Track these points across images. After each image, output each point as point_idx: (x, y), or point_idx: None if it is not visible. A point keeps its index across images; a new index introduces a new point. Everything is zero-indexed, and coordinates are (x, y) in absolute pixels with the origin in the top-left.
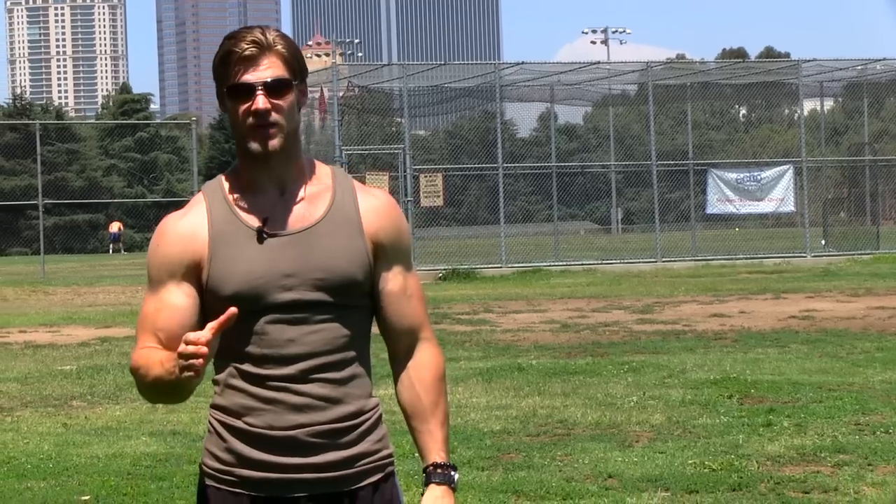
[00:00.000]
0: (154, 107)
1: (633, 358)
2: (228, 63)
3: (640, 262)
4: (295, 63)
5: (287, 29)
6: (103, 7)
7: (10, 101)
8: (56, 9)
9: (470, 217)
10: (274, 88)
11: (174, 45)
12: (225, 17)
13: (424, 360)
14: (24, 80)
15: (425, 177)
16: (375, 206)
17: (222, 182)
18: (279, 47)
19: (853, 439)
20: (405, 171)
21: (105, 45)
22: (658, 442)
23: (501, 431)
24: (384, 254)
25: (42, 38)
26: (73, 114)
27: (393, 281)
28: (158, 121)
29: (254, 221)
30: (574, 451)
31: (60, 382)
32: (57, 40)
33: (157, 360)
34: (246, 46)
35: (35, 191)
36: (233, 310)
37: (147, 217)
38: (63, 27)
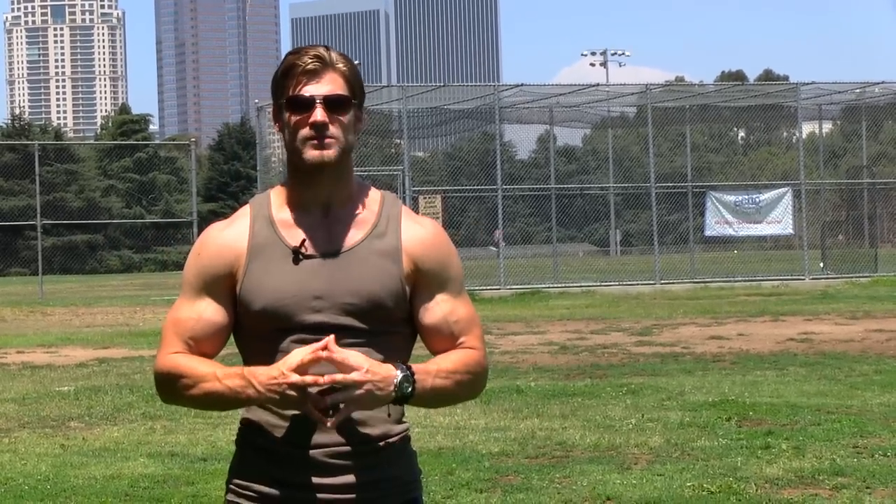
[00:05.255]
0: (153, 128)
1: (631, 380)
2: (290, 75)
3: (638, 285)
4: (355, 83)
5: (286, 51)
6: (103, 28)
7: (9, 121)
8: (55, 29)
9: (469, 238)
10: (333, 103)
11: (174, 66)
12: (224, 38)
13: (453, 351)
14: (23, 101)
15: (424, 198)
16: (420, 234)
17: (270, 197)
18: (341, 65)
19: (851, 462)
20: (404, 193)
21: (104, 65)
22: (656, 464)
23: (500, 453)
24: (426, 283)
25: (41, 58)
26: (71, 134)
27: (434, 310)
28: (157, 142)
29: (292, 240)
30: (573, 474)
31: (58, 403)
32: (56, 61)
33: (210, 374)
34: (309, 60)
35: (33, 211)
36: (329, 338)
37: (145, 238)
38: (62, 48)
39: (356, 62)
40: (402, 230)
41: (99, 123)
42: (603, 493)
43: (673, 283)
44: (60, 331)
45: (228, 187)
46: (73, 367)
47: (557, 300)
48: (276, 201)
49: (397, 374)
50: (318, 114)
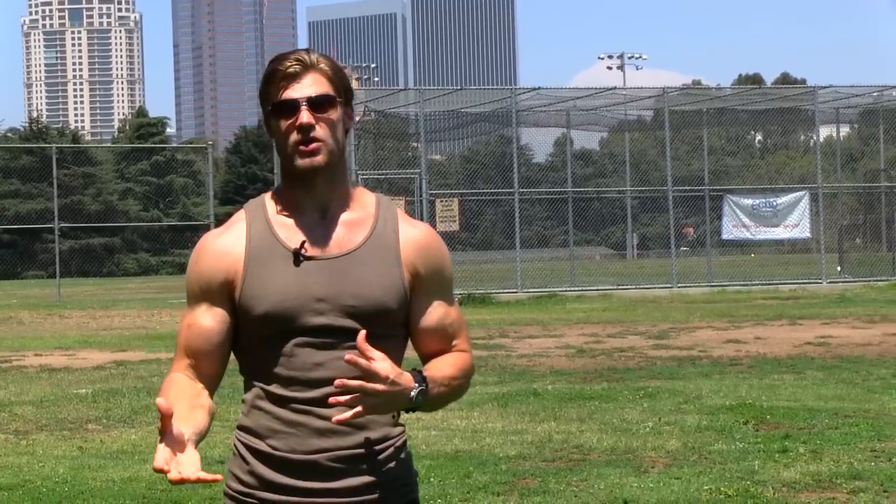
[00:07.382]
0: (170, 130)
1: (648, 383)
2: (272, 82)
3: (655, 288)
4: (338, 82)
5: None
6: (120, 31)
7: (27, 124)
8: (73, 33)
9: (486, 242)
10: (318, 104)
11: (191, 69)
12: (241, 41)
13: (449, 355)
14: (41, 104)
15: (441, 201)
16: (416, 237)
17: (265, 201)
18: (322, 65)
19: (869, 466)
20: (421, 196)
21: (121, 68)
22: (674, 468)
23: (517, 457)
24: (422, 286)
25: (59, 61)
26: (89, 137)
27: (431, 313)
28: (174, 145)
29: (292, 243)
30: (590, 477)
31: (76, 406)
32: (73, 64)
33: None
34: (289, 64)
35: (51, 214)
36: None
37: (163, 241)
38: (80, 51)
39: (373, 65)
40: (400, 232)
41: (116, 126)
42: (620, 497)
43: (690, 286)
44: (78, 333)
45: (245, 190)
46: (90, 370)
47: (574, 303)
48: (272, 205)
49: (414, 387)
50: (304, 116)
